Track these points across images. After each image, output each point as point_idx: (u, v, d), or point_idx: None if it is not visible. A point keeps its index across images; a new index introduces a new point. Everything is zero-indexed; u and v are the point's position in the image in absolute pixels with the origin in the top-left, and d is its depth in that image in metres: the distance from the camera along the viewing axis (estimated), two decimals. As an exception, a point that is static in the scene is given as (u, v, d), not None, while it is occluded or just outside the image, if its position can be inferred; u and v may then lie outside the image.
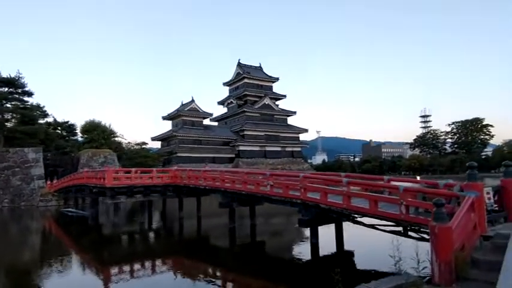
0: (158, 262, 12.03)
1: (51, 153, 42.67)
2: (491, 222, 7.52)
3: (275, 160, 79.92)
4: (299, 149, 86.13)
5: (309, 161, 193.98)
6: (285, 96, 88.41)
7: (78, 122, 74.91)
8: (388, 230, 8.98)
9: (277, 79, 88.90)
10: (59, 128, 56.34)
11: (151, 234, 17.60)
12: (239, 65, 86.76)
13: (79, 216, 23.51)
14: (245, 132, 77.60)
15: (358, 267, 10.39)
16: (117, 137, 66.61)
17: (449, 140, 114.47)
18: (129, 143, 71.19)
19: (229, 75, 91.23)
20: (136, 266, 11.21)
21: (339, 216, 10.03)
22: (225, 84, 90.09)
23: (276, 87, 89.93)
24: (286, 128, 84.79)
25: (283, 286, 8.54)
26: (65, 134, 55.96)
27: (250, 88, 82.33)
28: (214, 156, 73.90)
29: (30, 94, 39.04)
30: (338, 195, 9.81)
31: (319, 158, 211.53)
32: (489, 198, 7.62)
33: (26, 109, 39.53)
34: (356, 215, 9.39)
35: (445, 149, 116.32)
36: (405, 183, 9.15)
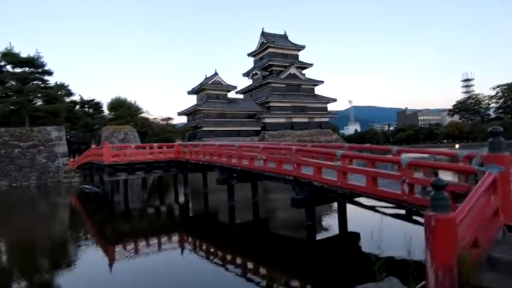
0: (153, 240, 11.30)
1: (75, 131, 43.54)
2: (522, 205, 5.71)
3: (302, 132, 77.79)
4: (327, 119, 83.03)
5: (341, 131, 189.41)
6: (311, 64, 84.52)
7: (107, 100, 76.33)
8: (390, 213, 7.37)
9: (304, 47, 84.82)
10: (86, 105, 57.44)
11: (152, 212, 17.07)
12: (263, 34, 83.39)
13: (94, 192, 23.60)
14: (270, 104, 75.58)
15: (363, 251, 8.97)
16: (143, 113, 67.36)
17: (494, 105, 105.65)
18: (155, 119, 71.80)
19: (255, 45, 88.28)
20: (130, 246, 10.69)
21: (334, 196, 8.50)
22: (249, 55, 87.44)
23: (303, 56, 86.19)
24: (313, 98, 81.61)
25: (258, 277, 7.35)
26: (91, 111, 57.03)
27: (275, 58, 79.22)
28: (239, 130, 73.05)
29: (50, 73, 39.47)
30: (335, 171, 8.23)
31: (351, 128, 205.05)
32: None
33: (47, 88, 40.16)
34: (353, 195, 7.81)
35: (489, 115, 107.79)
36: (414, 155, 7.38)
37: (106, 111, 64.05)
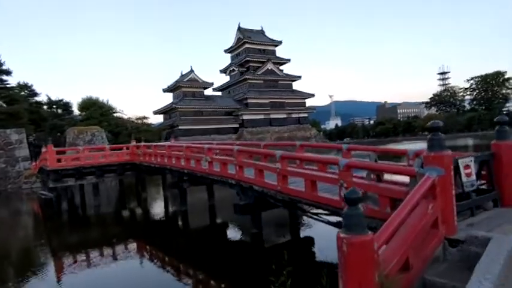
0: (97, 251, 10.19)
1: (41, 133, 41.40)
2: (471, 210, 4.96)
3: (281, 128, 77.27)
4: (306, 114, 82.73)
5: (322, 126, 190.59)
6: (289, 60, 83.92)
7: (78, 100, 73.31)
8: (333, 221, 6.52)
9: (281, 42, 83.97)
10: (54, 106, 54.96)
11: (105, 219, 15.85)
12: (239, 29, 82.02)
13: (48, 198, 22.09)
14: (248, 101, 74.55)
15: (317, 259, 8.14)
16: (116, 112, 65.16)
17: (468, 97, 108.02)
18: (129, 118, 69.69)
19: (231, 41, 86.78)
20: (71, 258, 9.58)
21: (275, 202, 7.61)
22: (226, 51, 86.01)
23: (280, 51, 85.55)
24: (291, 93, 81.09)
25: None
26: (60, 112, 54.58)
27: (252, 53, 78.10)
28: (217, 127, 71.79)
29: (8, 73, 37.17)
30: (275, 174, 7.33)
31: (332, 123, 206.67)
32: (469, 174, 4.99)
33: (6, 89, 37.85)
34: (292, 201, 6.92)
35: (464, 107, 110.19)
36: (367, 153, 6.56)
37: (77, 112, 61.65)
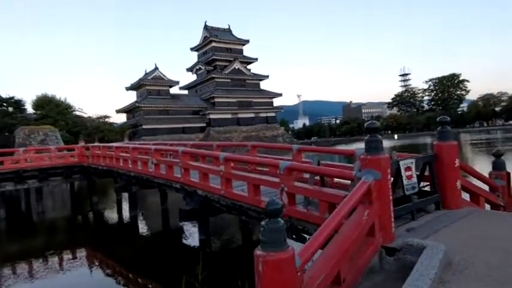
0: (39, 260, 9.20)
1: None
2: (411, 214, 4.76)
3: (249, 127, 77.00)
4: (273, 114, 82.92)
5: (291, 125, 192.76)
6: (256, 59, 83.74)
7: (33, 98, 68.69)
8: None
9: (248, 41, 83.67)
10: (4, 104, 51.17)
11: (53, 224, 14.67)
12: (206, 27, 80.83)
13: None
14: (215, 100, 73.58)
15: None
16: (74, 111, 61.87)
17: (427, 98, 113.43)
18: (89, 117, 66.45)
19: (198, 39, 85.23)
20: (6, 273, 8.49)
21: (220, 207, 7.16)
22: (192, 49, 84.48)
23: (249, 51, 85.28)
24: (258, 93, 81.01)
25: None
26: (11, 110, 50.86)
27: (219, 52, 77.17)
28: (183, 127, 70.31)
29: None
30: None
31: (300, 123, 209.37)
32: (410, 177, 4.78)
33: None
34: (235, 206, 6.50)
35: (423, 107, 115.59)
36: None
37: (32, 110, 57.91)
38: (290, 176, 5.20)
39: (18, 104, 52.45)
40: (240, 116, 76.54)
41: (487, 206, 6.22)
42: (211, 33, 78.97)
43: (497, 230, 4.31)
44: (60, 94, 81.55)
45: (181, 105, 71.23)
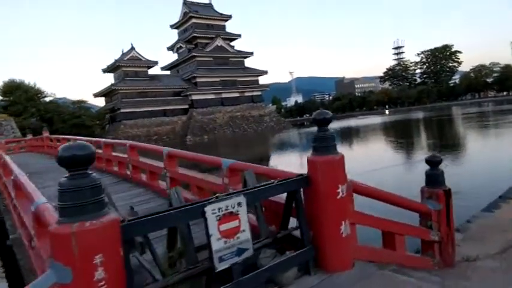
0: None
1: None
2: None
3: (233, 107, 74.50)
4: (259, 93, 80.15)
5: (284, 103, 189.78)
6: (239, 35, 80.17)
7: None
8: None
9: (230, 16, 79.76)
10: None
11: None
12: (185, 3, 76.55)
13: None
14: (197, 80, 70.56)
15: None
16: (45, 96, 58.86)
17: (419, 71, 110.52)
18: (64, 102, 63.53)
19: (178, 16, 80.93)
20: None
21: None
22: (172, 26, 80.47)
23: (232, 27, 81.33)
24: (243, 71, 77.89)
25: None
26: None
27: (200, 29, 73.36)
28: (164, 109, 67.81)
29: None
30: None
31: (293, 100, 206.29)
32: (230, 233, 2.57)
33: None
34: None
35: (415, 80, 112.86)
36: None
37: (-1, 98, 54.91)
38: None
39: (-19, 92, 49.49)
40: (224, 96, 73.80)
41: (417, 240, 4.10)
42: (190, 9, 74.89)
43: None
44: (30, 79, 77.78)
45: (161, 87, 68.25)
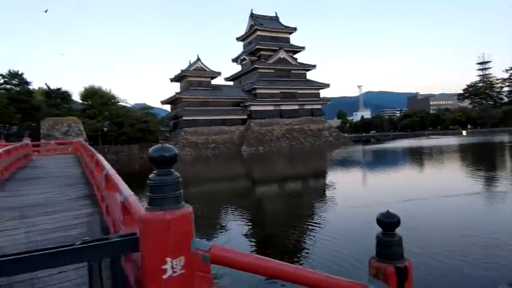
0: None
1: (20, 124, 40.66)
2: None
3: (292, 120, 73.42)
4: (319, 106, 77.92)
5: (350, 118, 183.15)
6: (303, 48, 79.24)
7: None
8: None
9: (295, 29, 79.39)
10: (53, 95, 54.54)
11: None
12: (252, 16, 78.24)
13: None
14: (257, 91, 71.13)
15: None
16: (118, 102, 64.19)
17: (507, 88, 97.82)
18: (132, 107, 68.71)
19: (244, 28, 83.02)
20: None
21: None
22: (238, 39, 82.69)
23: (297, 39, 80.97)
24: (304, 84, 76.63)
25: None
26: (58, 102, 54.08)
27: (264, 41, 74.21)
28: (224, 119, 69.30)
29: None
30: None
31: (360, 115, 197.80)
32: None
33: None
34: None
35: (502, 99, 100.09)
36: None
37: (79, 101, 61.32)
38: None
39: (64, 95, 55.66)
40: (283, 108, 73.21)
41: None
42: (256, 22, 76.29)
43: None
44: (108, 85, 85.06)
45: (222, 97, 70.11)
